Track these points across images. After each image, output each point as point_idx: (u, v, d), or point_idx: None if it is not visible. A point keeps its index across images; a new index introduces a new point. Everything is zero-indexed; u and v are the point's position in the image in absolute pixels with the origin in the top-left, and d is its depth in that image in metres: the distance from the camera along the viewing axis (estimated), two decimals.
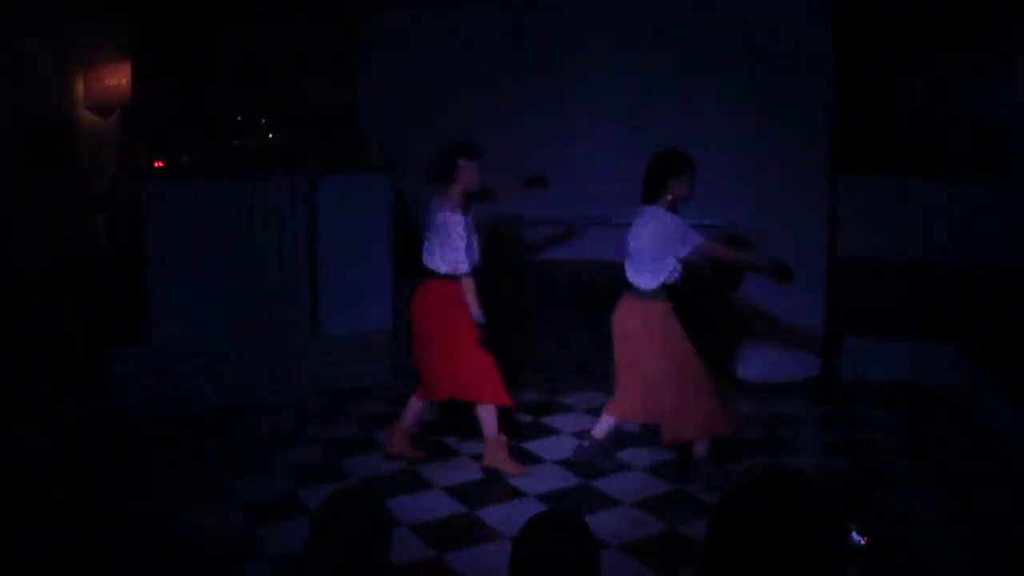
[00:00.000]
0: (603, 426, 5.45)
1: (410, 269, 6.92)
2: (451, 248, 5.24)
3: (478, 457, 5.59)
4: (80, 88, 7.37)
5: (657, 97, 7.02)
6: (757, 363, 6.92)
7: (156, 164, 7.00)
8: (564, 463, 5.54)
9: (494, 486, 5.25)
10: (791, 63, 6.68)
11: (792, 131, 6.74)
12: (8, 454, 5.23)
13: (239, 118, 8.28)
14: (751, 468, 5.43)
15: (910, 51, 7.04)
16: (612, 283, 5.42)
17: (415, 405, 5.61)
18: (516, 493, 5.15)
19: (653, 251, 5.02)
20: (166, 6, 7.99)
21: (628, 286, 5.18)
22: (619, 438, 5.58)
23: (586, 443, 5.49)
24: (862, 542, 1.97)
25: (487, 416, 5.39)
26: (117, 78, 7.47)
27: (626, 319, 5.17)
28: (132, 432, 5.94)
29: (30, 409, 5.63)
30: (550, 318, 6.93)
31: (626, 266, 5.17)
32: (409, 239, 7.13)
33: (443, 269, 5.33)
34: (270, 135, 8.19)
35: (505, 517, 4.76)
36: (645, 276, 5.09)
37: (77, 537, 4.35)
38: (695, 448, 5.24)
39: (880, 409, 6.46)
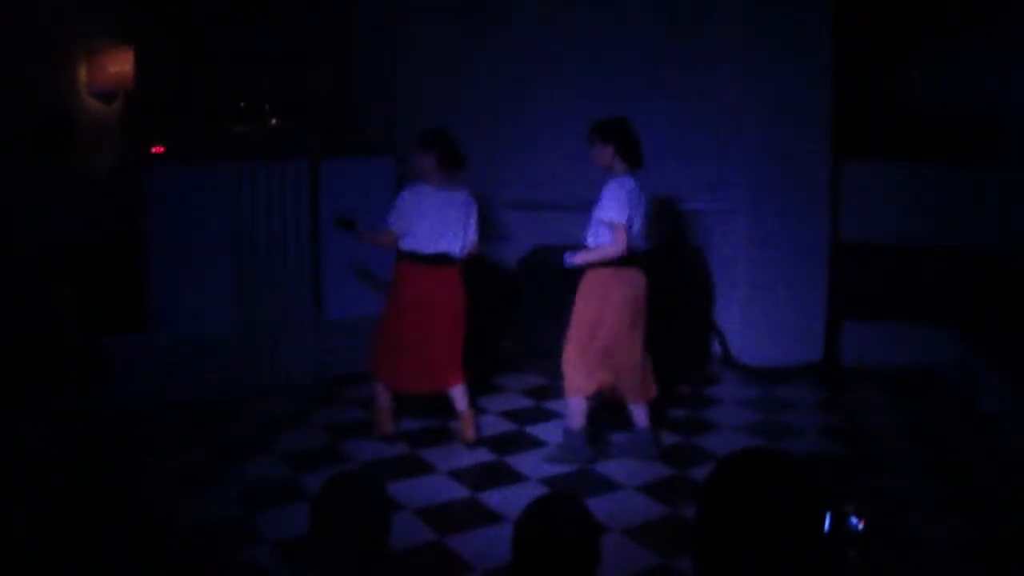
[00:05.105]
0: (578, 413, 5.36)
1: None
2: (475, 229, 5.47)
3: (480, 441, 5.62)
4: (83, 74, 7.35)
5: (657, 80, 7.00)
6: (759, 347, 6.93)
7: (154, 150, 6.96)
8: None
9: (497, 470, 5.29)
10: (791, 46, 6.65)
11: (793, 115, 6.72)
12: (6, 442, 5.24)
13: (242, 104, 8.26)
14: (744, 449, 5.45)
15: (910, 33, 7.02)
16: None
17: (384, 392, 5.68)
18: (518, 477, 5.18)
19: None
20: None
21: (637, 255, 5.14)
22: (620, 423, 5.59)
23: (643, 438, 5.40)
24: (860, 526, 1.98)
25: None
26: (120, 65, 7.43)
27: (639, 286, 5.15)
28: (132, 418, 5.95)
29: (28, 397, 5.63)
30: (549, 303, 6.92)
31: (635, 234, 5.09)
32: None
33: (459, 252, 5.46)
34: (273, 120, 8.17)
35: (507, 500, 4.79)
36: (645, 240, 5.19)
37: (76, 523, 4.37)
38: (639, 416, 5.30)
39: (881, 394, 6.48)
